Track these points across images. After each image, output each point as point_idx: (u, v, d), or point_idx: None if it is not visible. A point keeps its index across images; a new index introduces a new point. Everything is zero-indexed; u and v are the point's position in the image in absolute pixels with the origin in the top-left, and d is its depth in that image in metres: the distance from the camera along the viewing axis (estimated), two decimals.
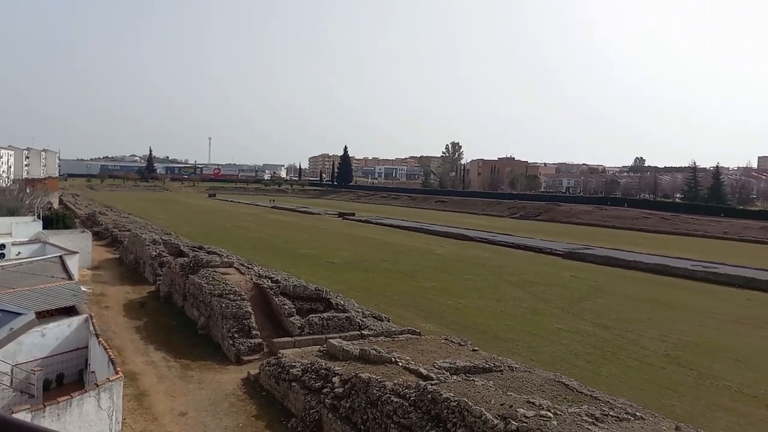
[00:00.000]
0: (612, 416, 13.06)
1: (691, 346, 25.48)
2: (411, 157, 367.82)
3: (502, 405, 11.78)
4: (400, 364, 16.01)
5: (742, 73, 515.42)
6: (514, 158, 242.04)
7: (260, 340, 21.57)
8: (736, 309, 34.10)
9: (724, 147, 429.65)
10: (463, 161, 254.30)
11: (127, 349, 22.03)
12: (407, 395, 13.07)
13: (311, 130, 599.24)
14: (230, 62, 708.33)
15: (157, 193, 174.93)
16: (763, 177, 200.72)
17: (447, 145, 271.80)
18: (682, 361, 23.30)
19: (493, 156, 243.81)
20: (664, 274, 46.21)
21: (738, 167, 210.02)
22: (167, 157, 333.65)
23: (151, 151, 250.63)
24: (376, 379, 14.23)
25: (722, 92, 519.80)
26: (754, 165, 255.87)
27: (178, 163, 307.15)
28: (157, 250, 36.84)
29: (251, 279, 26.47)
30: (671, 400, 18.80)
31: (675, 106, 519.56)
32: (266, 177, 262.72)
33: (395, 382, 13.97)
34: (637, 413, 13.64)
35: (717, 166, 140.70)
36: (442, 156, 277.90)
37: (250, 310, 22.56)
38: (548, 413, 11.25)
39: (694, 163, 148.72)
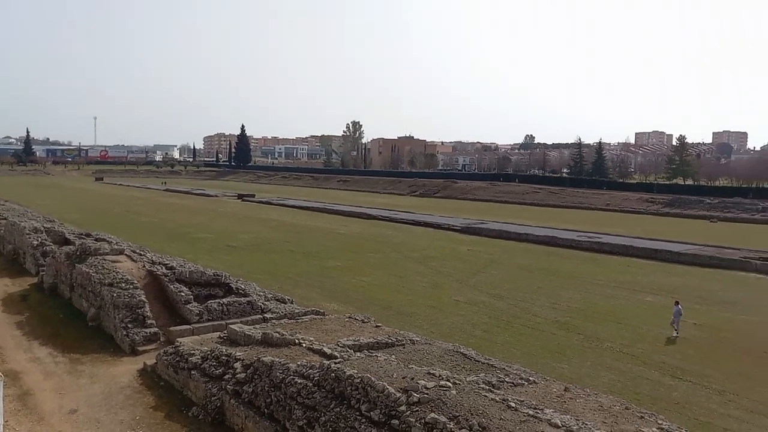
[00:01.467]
0: (507, 382, 13.77)
1: (578, 312, 27.30)
2: (312, 137, 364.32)
3: (404, 378, 12.06)
4: (304, 345, 15.97)
5: (618, 58, 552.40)
6: (413, 137, 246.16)
7: (156, 329, 20.74)
8: (616, 275, 36.85)
9: (606, 124, 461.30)
10: (364, 140, 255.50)
11: (8, 346, 20.44)
12: (311, 375, 13.07)
13: (206, 110, 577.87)
14: (114, 37, 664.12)
15: (38, 178, 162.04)
16: (640, 152, 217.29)
17: (348, 124, 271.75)
18: (570, 326, 24.92)
19: (393, 135, 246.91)
20: (553, 245, 49.04)
21: (618, 143, 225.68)
22: (47, 139, 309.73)
23: (28, 132, 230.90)
24: (279, 362, 14.12)
25: (603, 74, 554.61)
26: (632, 140, 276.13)
27: (61, 145, 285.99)
28: (39, 239, 34.27)
29: (144, 266, 25.26)
30: (561, 363, 20.10)
31: (562, 88, 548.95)
32: (158, 158, 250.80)
33: (299, 363, 13.92)
34: (530, 378, 14.45)
35: (599, 142, 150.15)
36: (343, 135, 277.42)
37: (144, 298, 21.59)
38: (448, 383, 11.65)
39: (579, 139, 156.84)
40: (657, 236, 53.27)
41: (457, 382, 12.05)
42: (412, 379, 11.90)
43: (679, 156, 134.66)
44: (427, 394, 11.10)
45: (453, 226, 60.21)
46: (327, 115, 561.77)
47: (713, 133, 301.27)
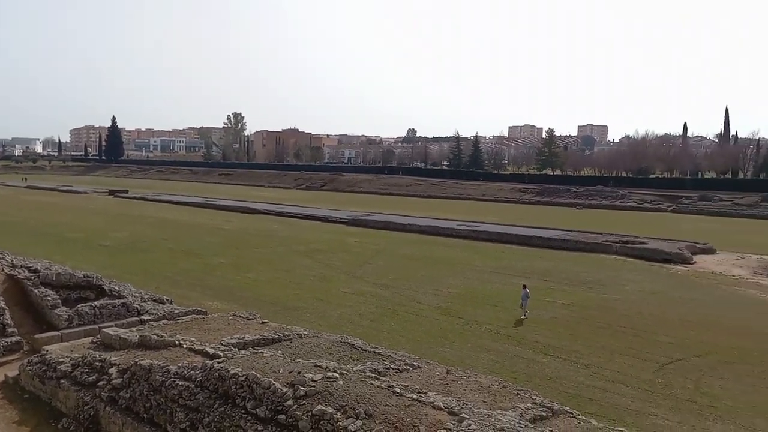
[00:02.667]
0: (393, 369, 14.10)
1: (459, 297, 28.48)
2: (190, 129, 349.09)
3: (290, 373, 11.98)
4: (185, 346, 15.37)
5: (493, 55, 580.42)
6: (298, 130, 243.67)
7: (19, 337, 19.07)
8: (492, 261, 38.83)
9: (482, 118, 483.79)
10: (246, 132, 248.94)
11: None
12: (193, 377, 12.63)
13: (73, 100, 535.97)
14: None
15: None
16: (513, 144, 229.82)
17: (229, 115, 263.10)
18: (452, 310, 25.95)
19: (277, 127, 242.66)
20: (435, 235, 50.76)
21: (493, 136, 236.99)
22: None
23: None
24: (159, 365, 13.50)
25: (480, 71, 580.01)
26: (506, 134, 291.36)
27: None
28: None
29: (3, 270, 23.08)
30: (443, 347, 20.89)
31: (441, 83, 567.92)
32: (17, 153, 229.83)
33: (180, 365, 13.40)
34: (414, 363, 14.89)
35: (476, 136, 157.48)
36: (224, 127, 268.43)
37: (3, 305, 19.75)
38: (335, 374, 11.72)
39: (458, 133, 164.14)
40: (529, 223, 56.74)
41: (344, 372, 12.16)
42: (299, 373, 11.85)
43: (548, 148, 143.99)
44: (314, 386, 11.11)
45: (340, 218, 60.50)
46: (206, 107, 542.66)
47: (578, 126, 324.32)
